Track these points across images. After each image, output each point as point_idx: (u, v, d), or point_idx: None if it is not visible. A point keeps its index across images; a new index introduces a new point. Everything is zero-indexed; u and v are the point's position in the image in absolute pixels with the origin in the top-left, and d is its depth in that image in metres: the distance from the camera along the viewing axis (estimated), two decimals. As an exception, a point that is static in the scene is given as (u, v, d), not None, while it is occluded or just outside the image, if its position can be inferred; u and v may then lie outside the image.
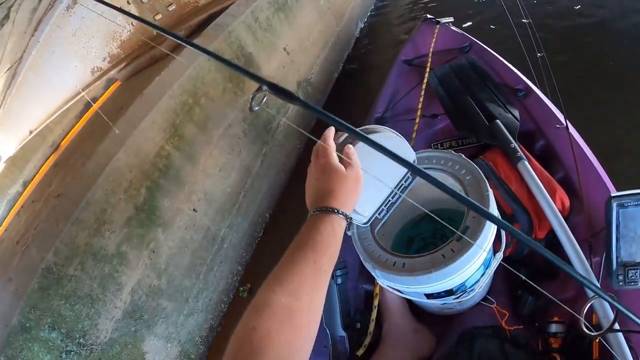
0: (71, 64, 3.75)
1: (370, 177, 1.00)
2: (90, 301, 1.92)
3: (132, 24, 3.02)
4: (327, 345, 1.39)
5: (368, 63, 3.62)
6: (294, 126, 2.72)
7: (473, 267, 1.04)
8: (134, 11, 2.77)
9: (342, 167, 0.85)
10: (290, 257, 0.72)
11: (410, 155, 1.12)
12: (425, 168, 1.17)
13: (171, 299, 2.18)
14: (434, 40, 2.23)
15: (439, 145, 1.93)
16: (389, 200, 1.11)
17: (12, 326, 1.72)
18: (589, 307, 1.05)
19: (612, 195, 1.15)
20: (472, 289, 1.17)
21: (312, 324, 0.66)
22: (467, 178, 1.13)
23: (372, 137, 0.90)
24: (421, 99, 1.95)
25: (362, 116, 2.22)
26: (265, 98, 0.73)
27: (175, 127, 2.18)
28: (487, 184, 1.09)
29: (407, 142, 1.10)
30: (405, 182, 1.12)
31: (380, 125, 1.86)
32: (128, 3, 2.98)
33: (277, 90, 0.65)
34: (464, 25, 2.44)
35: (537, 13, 3.36)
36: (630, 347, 1.15)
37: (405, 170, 1.12)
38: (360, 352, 1.35)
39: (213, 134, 2.36)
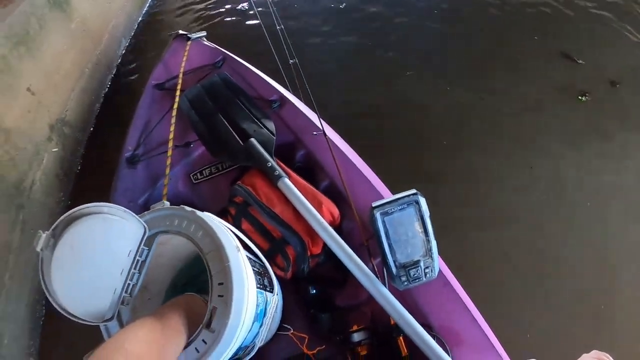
0: None
1: (93, 272, 0.92)
2: None
3: None
4: None
5: (135, 86, 3.47)
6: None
7: (236, 343, 0.98)
8: None
9: None
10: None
11: (135, 229, 0.98)
12: (161, 232, 1.04)
13: None
14: (184, 58, 2.03)
15: (198, 174, 1.83)
16: (129, 283, 0.98)
17: None
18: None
19: (374, 205, 1.20)
20: (254, 343, 1.14)
21: None
22: (206, 241, 1.00)
23: (83, 222, 0.88)
24: (172, 128, 1.72)
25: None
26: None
27: None
28: (227, 250, 0.98)
29: (128, 215, 0.96)
30: (140, 256, 1.00)
31: (134, 164, 1.80)
32: None
33: None
34: (220, 38, 2.40)
35: (289, 18, 3.72)
36: (434, 337, 1.24)
37: (136, 245, 0.98)
38: None
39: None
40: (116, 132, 3.03)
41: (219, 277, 0.95)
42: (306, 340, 1.39)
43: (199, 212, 1.04)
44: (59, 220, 0.88)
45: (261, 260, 1.26)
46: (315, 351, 1.37)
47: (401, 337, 1.29)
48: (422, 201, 1.21)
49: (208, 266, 0.97)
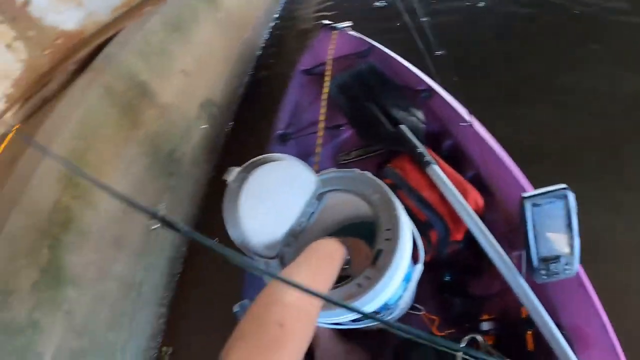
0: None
1: (272, 208, 1.04)
2: (14, 380, 1.77)
3: (22, 60, 2.79)
4: None
5: (276, 72, 3.56)
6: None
7: (391, 289, 1.03)
8: (22, 48, 2.55)
9: None
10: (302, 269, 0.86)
11: (311, 182, 1.12)
12: (330, 190, 1.16)
13: (98, 356, 2.05)
14: (332, 46, 2.15)
15: (345, 156, 1.90)
16: (296, 229, 1.10)
17: None
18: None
19: (525, 195, 1.21)
20: (397, 305, 1.18)
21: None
22: (375, 197, 1.10)
23: (271, 165, 1.03)
24: (322, 111, 1.87)
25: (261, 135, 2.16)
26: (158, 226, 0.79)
27: (70, 177, 2.03)
28: (396, 204, 1.06)
29: (307, 168, 1.11)
30: (309, 207, 1.13)
31: (285, 141, 1.93)
32: (14, 40, 2.74)
33: (164, 221, 0.65)
34: (363, 29, 2.38)
35: (434, 11, 3.45)
36: (564, 335, 1.18)
37: (309, 196, 1.12)
38: None
39: (112, 176, 2.22)
40: (257, 114, 3.13)
41: (387, 224, 1.03)
42: (436, 321, 1.42)
43: (368, 174, 1.15)
44: (250, 162, 1.04)
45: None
46: (444, 333, 1.41)
47: (530, 332, 1.27)
48: (571, 197, 1.19)
49: (378, 214, 1.06)
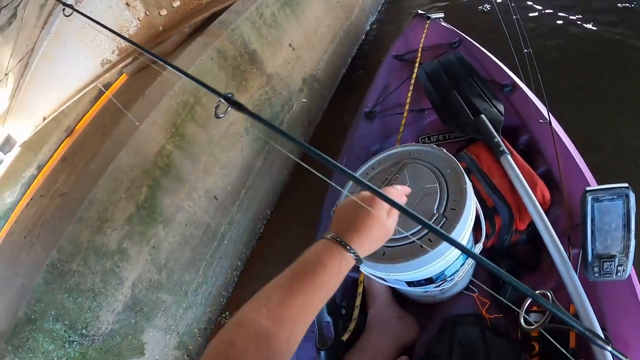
0: (82, 55, 3.80)
1: None
2: (93, 295, 2.00)
3: (138, 18, 3.04)
4: (314, 330, 1.40)
5: (377, 57, 3.57)
6: (292, 136, 2.69)
7: (450, 257, 1.08)
8: (140, 7, 2.78)
9: (385, 217, 0.82)
10: (287, 282, 0.70)
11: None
12: (410, 160, 1.24)
13: (171, 292, 2.25)
14: (424, 35, 2.29)
15: (426, 138, 1.96)
16: None
17: (19, 318, 1.81)
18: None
19: (587, 189, 1.21)
20: (452, 278, 1.22)
21: (286, 356, 0.64)
22: (447, 172, 1.16)
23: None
24: (409, 94, 2.00)
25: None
26: (228, 109, 0.81)
27: (177, 127, 2.22)
28: (466, 179, 1.12)
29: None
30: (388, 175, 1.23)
31: (371, 118, 2.14)
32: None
33: (232, 103, 0.74)
34: (454, 21, 2.44)
35: (525, 10, 3.38)
36: (607, 338, 1.16)
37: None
38: (345, 337, 1.40)
39: (214, 133, 2.40)
40: (355, 96, 3.16)
41: (454, 196, 1.10)
42: (487, 305, 1.43)
43: (444, 150, 1.23)
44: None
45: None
46: (492, 317, 1.41)
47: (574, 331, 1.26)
48: (632, 196, 1.18)
49: (447, 186, 1.13)
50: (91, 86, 4.09)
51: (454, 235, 1.02)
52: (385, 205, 0.82)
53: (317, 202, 1.90)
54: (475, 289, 1.45)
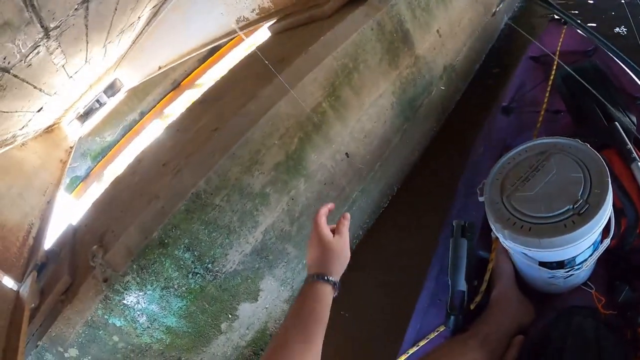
0: (216, 10, 3.94)
1: None
2: (227, 232, 2.09)
3: None
4: (442, 298, 1.58)
5: (508, 56, 3.53)
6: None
7: (584, 243, 1.16)
8: None
9: (330, 237, 1.02)
10: (290, 325, 0.90)
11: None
12: (555, 152, 1.33)
13: (297, 246, 2.31)
14: (561, 39, 2.39)
15: None
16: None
17: (152, 239, 1.91)
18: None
19: None
20: (580, 267, 1.29)
21: None
22: (592, 165, 1.23)
23: None
24: (547, 94, 2.09)
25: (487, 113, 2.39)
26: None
27: (334, 87, 2.26)
28: (608, 173, 1.19)
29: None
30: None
31: (508, 113, 2.26)
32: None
33: None
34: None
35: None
36: None
37: None
38: (472, 307, 1.50)
39: (365, 101, 2.43)
40: (484, 94, 3.12)
41: (597, 187, 1.17)
42: (603, 301, 1.47)
43: (588, 145, 1.30)
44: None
45: None
46: (607, 312, 1.45)
47: None
48: None
49: (590, 177, 1.20)
50: (219, 41, 4.24)
51: (593, 222, 1.10)
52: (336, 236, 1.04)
53: (438, 188, 2.13)
54: (593, 286, 1.51)
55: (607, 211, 1.16)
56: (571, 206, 1.18)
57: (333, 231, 1.05)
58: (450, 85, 3.04)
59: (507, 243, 1.25)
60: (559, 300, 1.48)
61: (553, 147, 1.37)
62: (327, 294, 0.95)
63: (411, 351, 1.52)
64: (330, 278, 0.96)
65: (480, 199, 1.32)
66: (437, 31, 2.86)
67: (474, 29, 3.35)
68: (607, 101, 1.88)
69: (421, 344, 1.54)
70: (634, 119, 1.86)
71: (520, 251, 1.26)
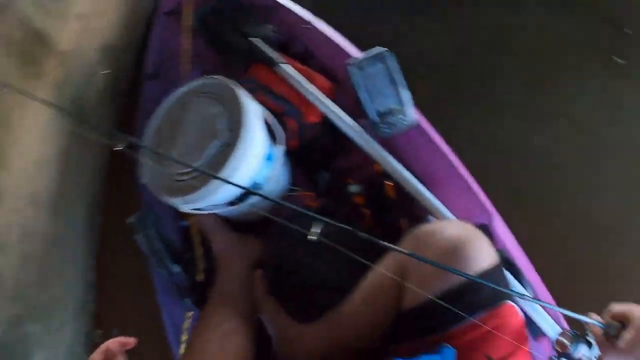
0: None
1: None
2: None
3: None
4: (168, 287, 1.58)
5: None
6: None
7: (254, 160, 1.26)
8: None
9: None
10: None
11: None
12: (200, 95, 1.35)
13: (36, 320, 1.96)
14: None
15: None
16: None
17: None
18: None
19: (348, 62, 1.43)
20: (266, 184, 1.40)
21: None
22: (226, 94, 1.29)
23: None
24: (189, 41, 2.07)
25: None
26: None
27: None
28: (239, 91, 1.27)
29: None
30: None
31: (155, 78, 2.18)
32: None
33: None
34: None
35: None
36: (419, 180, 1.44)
37: None
38: (200, 277, 1.54)
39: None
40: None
41: (235, 109, 1.25)
42: (312, 196, 1.62)
43: (220, 77, 1.37)
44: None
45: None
46: (317, 203, 1.61)
47: (390, 184, 1.51)
48: (389, 57, 1.42)
49: (229, 105, 1.26)
50: None
51: (245, 143, 1.19)
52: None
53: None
54: (298, 188, 1.66)
55: (255, 126, 1.24)
56: (218, 141, 1.21)
57: None
58: (117, 65, 2.76)
59: (186, 208, 1.24)
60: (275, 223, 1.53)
61: (186, 95, 1.37)
62: None
63: (182, 350, 1.48)
64: None
65: (143, 182, 1.28)
66: (77, 15, 2.50)
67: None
68: (242, 21, 1.92)
69: (184, 338, 1.51)
70: (270, 26, 1.92)
71: (206, 205, 1.27)
